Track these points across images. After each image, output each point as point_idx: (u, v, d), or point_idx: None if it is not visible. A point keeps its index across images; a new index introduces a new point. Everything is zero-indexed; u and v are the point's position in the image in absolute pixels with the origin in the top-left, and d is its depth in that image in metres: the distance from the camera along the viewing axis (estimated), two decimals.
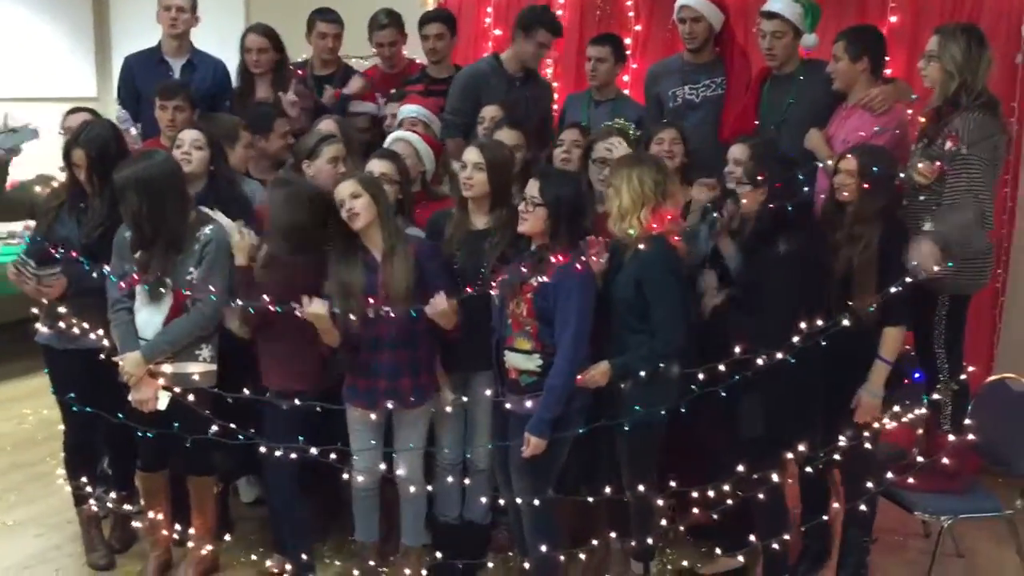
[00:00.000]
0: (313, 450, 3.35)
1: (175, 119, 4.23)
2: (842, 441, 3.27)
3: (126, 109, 4.77)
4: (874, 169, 3.34)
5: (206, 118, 4.17)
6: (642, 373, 3.22)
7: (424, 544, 3.74)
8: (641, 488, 3.32)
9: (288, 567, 3.63)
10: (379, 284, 3.34)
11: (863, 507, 3.43)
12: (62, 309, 3.47)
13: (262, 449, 3.40)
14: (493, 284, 3.28)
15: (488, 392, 3.47)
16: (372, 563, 3.64)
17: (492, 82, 4.59)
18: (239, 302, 3.34)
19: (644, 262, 3.22)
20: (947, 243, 3.32)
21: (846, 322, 3.18)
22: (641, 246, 3.22)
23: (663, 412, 3.26)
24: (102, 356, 3.41)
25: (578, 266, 3.16)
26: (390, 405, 3.41)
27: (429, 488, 3.57)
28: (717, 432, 3.48)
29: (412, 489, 3.54)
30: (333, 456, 3.38)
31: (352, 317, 3.28)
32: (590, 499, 3.35)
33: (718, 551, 3.71)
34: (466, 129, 4.47)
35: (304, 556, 3.62)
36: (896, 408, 3.38)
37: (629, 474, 3.40)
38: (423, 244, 3.48)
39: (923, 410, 3.41)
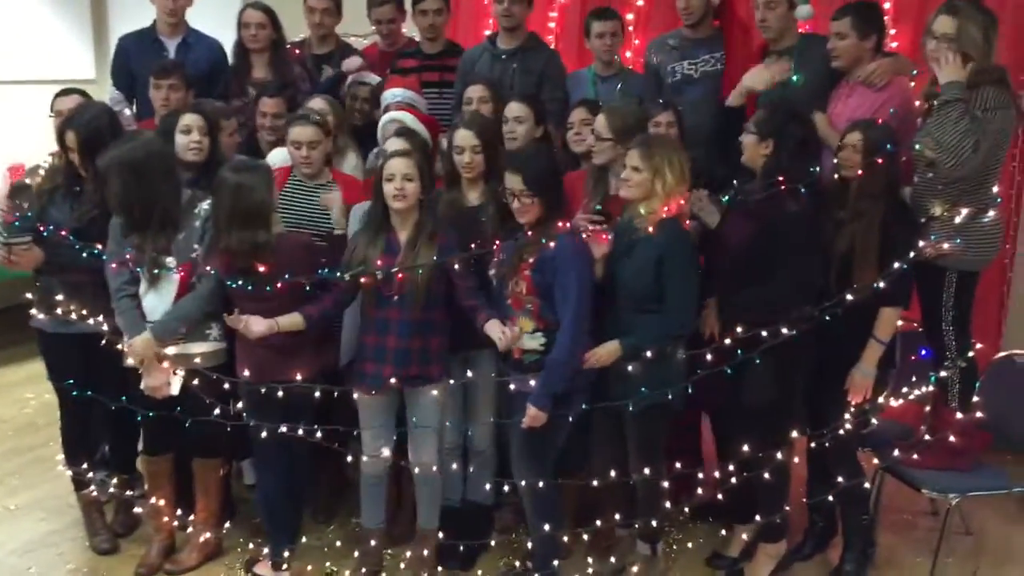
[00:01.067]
0: (318, 434, 3.31)
1: (169, 99, 4.20)
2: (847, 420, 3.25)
3: (120, 90, 4.73)
4: (880, 144, 3.30)
5: (196, 104, 4.11)
6: (647, 353, 3.18)
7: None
8: (648, 470, 3.29)
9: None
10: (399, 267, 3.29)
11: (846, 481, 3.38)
12: (59, 296, 3.44)
13: (263, 434, 3.35)
14: (495, 269, 3.27)
15: (490, 371, 3.45)
16: (374, 543, 3.59)
17: (479, 61, 4.57)
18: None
19: (667, 242, 3.20)
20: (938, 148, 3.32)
21: (850, 297, 3.15)
22: (650, 229, 3.19)
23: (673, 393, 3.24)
24: (103, 342, 3.38)
25: (575, 241, 3.14)
26: (393, 381, 3.36)
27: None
28: (723, 409, 3.45)
29: (428, 475, 3.52)
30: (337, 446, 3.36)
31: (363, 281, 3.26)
32: (594, 483, 3.33)
33: (724, 532, 3.69)
34: None
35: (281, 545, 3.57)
36: (888, 387, 3.36)
37: (637, 456, 3.37)
38: (451, 237, 3.40)
39: (929, 388, 3.38)
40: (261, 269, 3.22)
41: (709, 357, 3.19)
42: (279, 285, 3.22)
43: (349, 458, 3.46)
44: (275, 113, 4.18)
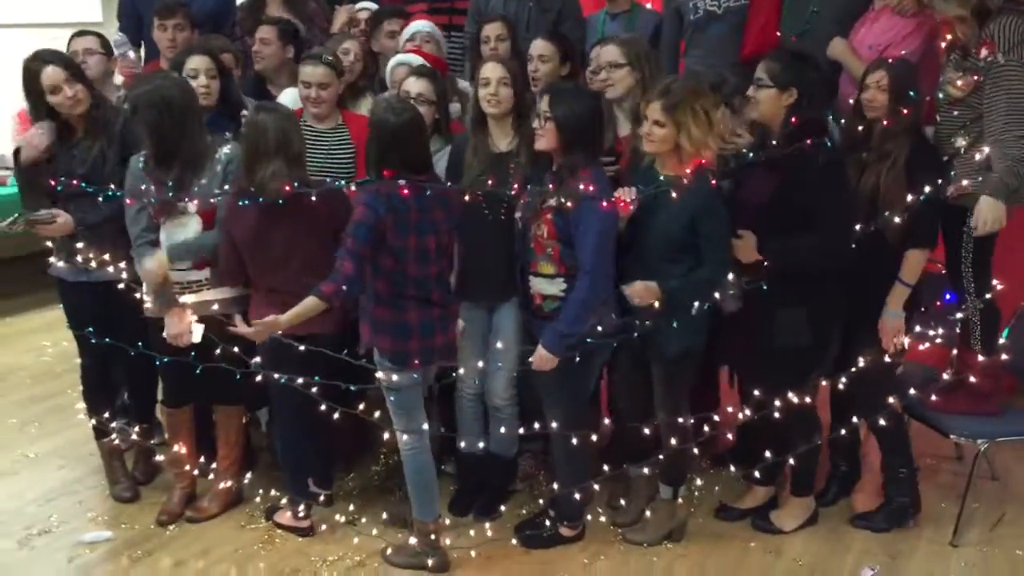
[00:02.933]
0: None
1: (175, 38, 4.14)
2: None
3: (127, 32, 4.65)
4: (905, 82, 3.24)
5: (204, 41, 4.03)
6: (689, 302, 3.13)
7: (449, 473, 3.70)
8: (674, 414, 3.28)
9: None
10: None
11: (887, 428, 3.36)
12: (79, 245, 3.39)
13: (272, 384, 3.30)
14: (520, 213, 3.19)
15: (514, 321, 3.43)
16: (434, 536, 3.39)
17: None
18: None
19: (698, 203, 3.11)
20: (1005, 190, 3.24)
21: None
22: (673, 195, 3.08)
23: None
24: (120, 286, 3.34)
25: (603, 203, 3.03)
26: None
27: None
28: (752, 355, 3.41)
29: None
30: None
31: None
32: (631, 425, 3.32)
33: (743, 479, 3.67)
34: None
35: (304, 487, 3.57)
36: (917, 329, 3.31)
37: (664, 401, 3.34)
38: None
39: (953, 330, 3.32)
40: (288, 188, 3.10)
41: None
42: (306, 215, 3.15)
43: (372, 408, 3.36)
44: (263, 39, 4.12)
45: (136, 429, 3.83)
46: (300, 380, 3.19)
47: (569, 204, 3.05)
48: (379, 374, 3.19)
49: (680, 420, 3.30)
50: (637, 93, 3.46)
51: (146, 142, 3.31)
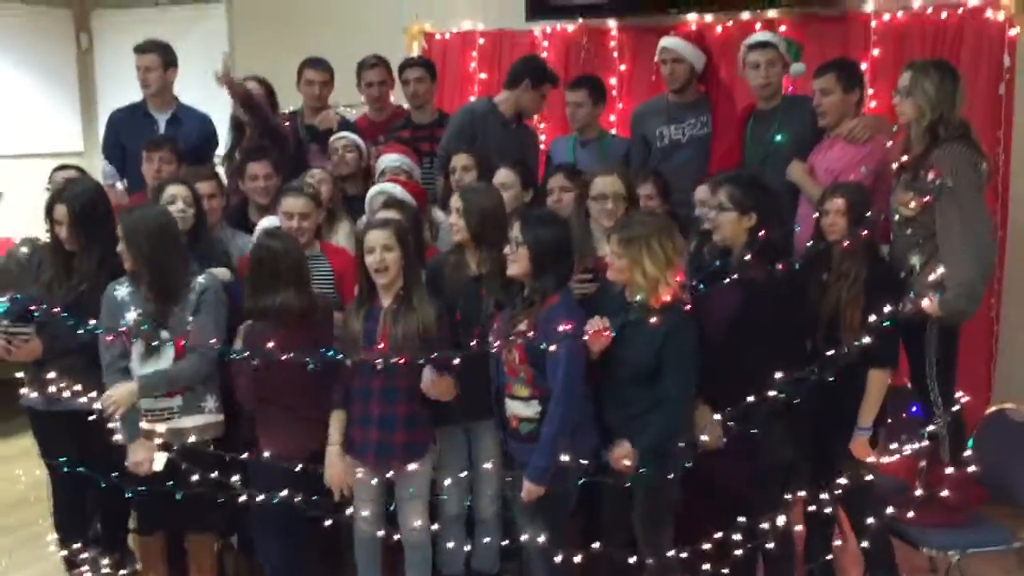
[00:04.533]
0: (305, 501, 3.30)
1: (161, 171, 4.25)
2: (842, 479, 3.26)
3: (111, 163, 4.75)
4: (863, 207, 3.38)
5: (189, 172, 4.15)
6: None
7: None
8: (657, 547, 3.28)
9: None
10: (378, 335, 3.31)
11: (868, 544, 3.42)
12: (51, 375, 3.41)
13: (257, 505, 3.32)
14: (493, 338, 3.25)
15: (492, 441, 3.48)
16: None
17: (489, 123, 4.64)
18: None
19: (670, 335, 3.15)
20: (957, 311, 3.39)
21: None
22: (652, 320, 3.13)
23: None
24: (91, 418, 3.35)
25: (563, 325, 3.08)
26: (369, 466, 3.39)
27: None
28: (728, 471, 3.44)
29: (417, 543, 3.51)
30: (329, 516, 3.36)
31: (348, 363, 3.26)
32: (614, 552, 3.27)
33: None
34: None
35: None
36: (894, 445, 3.38)
37: (646, 532, 3.34)
38: (440, 309, 3.41)
39: (921, 443, 3.40)
40: (270, 345, 3.22)
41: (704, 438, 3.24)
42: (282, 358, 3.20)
43: (349, 511, 3.44)
44: (266, 174, 4.21)
45: (107, 560, 3.78)
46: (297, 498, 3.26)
47: (531, 333, 3.12)
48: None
49: (663, 550, 3.28)
50: None
51: (134, 268, 3.36)
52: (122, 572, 3.82)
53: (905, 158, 3.57)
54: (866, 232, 3.37)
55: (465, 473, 3.54)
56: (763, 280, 3.28)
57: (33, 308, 3.44)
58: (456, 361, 3.18)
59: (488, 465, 3.49)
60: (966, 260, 3.39)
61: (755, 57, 4.21)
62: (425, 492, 3.50)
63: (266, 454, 3.34)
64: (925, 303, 3.39)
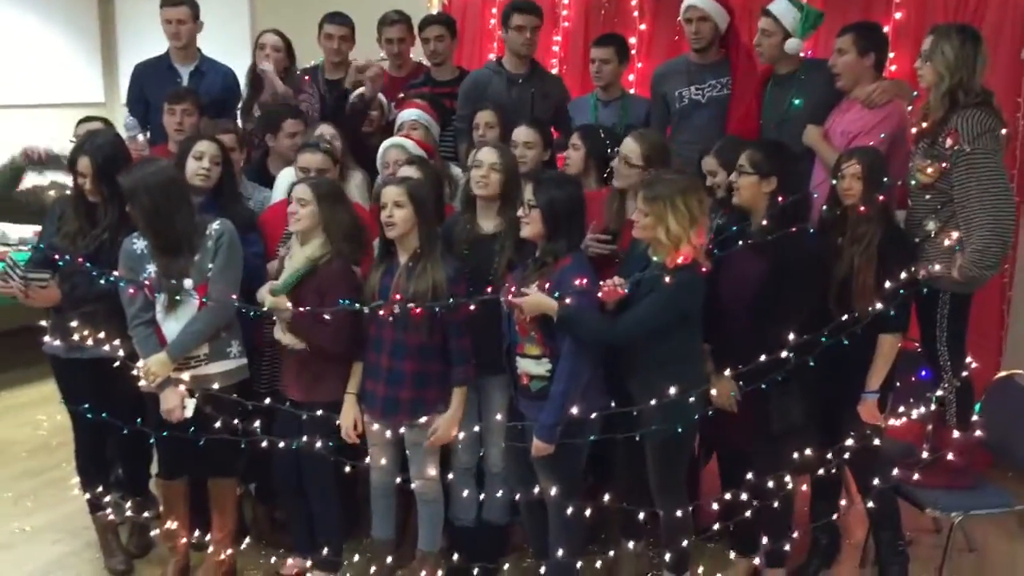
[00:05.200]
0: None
1: (183, 123, 4.28)
2: (850, 441, 3.31)
3: (135, 116, 4.79)
4: (879, 171, 3.39)
5: (211, 126, 4.18)
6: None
7: (440, 548, 3.75)
8: (670, 502, 3.34)
9: (308, 564, 3.69)
10: (391, 291, 3.36)
11: (875, 504, 3.47)
12: (73, 323, 3.46)
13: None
14: (508, 292, 3.26)
15: (502, 396, 3.53)
16: (389, 561, 3.66)
17: (494, 84, 4.63)
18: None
19: (676, 286, 3.14)
20: (973, 277, 3.41)
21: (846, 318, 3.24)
22: (667, 279, 3.13)
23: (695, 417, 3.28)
24: (115, 365, 3.40)
25: (578, 280, 3.12)
26: (376, 419, 3.47)
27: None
28: (743, 441, 3.51)
29: (429, 495, 3.59)
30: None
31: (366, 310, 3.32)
32: (624, 505, 3.36)
33: (733, 555, 3.71)
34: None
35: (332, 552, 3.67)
36: (901, 408, 3.40)
37: (660, 484, 3.39)
38: (457, 270, 3.43)
39: (929, 407, 3.43)
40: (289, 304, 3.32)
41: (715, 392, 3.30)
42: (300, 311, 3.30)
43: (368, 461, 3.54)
44: (302, 131, 4.24)
45: (130, 503, 3.89)
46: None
47: (541, 284, 3.15)
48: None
49: (676, 505, 3.34)
50: None
51: (142, 225, 3.40)
52: (145, 514, 3.92)
53: (925, 124, 3.58)
54: (882, 197, 3.39)
55: (477, 428, 3.59)
56: (788, 248, 3.29)
57: (57, 257, 3.49)
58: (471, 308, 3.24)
59: (499, 416, 3.55)
60: (983, 227, 3.38)
61: (760, 23, 4.22)
62: (435, 451, 3.56)
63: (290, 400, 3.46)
64: (939, 268, 3.41)
